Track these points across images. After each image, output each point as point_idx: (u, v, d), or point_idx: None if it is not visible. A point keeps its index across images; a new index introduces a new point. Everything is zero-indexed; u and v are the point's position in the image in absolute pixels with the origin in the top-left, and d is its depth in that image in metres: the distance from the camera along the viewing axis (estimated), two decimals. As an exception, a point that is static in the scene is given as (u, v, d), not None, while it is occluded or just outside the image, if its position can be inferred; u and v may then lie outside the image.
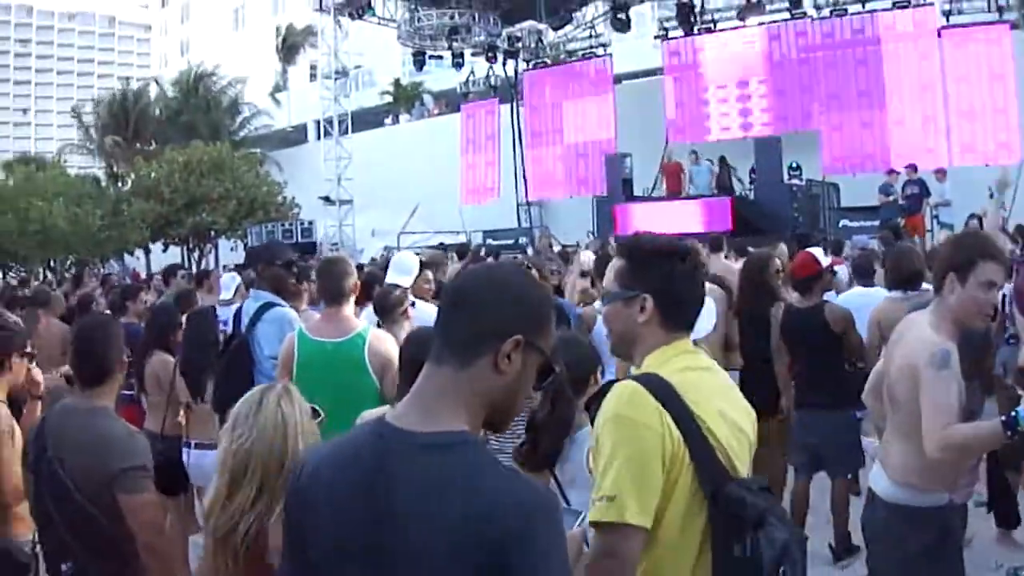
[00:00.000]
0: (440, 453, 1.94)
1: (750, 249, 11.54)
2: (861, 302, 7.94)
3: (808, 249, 8.44)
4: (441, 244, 22.89)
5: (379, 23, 31.80)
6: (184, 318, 7.55)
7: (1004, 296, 9.32)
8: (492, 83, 33.16)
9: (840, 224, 21.85)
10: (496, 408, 2.08)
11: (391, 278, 7.94)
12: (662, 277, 2.91)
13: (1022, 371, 4.39)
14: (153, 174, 36.59)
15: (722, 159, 24.05)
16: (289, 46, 55.22)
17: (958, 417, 3.83)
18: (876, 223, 20.03)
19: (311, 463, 2.13)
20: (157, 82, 51.11)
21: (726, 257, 11.95)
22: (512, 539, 1.84)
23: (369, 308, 6.85)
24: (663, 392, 2.74)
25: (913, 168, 21.80)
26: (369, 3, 30.31)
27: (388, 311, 6.31)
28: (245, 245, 32.73)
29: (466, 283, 2.22)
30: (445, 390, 2.03)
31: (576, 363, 3.98)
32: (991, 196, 19.97)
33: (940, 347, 3.90)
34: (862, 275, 8.93)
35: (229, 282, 10.22)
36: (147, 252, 37.94)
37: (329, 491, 2.02)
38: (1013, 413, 3.64)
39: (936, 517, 4.14)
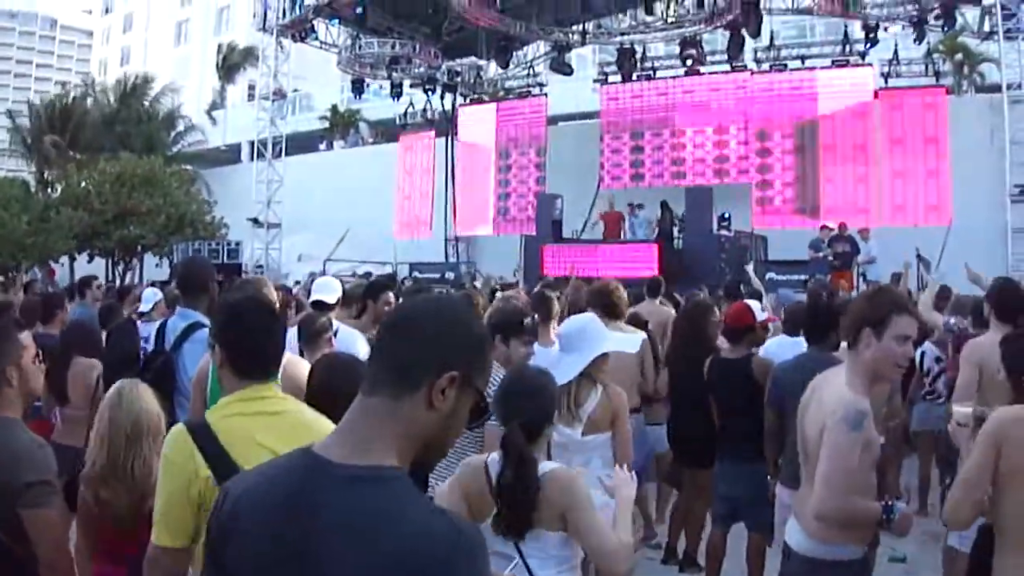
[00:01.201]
0: (367, 487, 1.89)
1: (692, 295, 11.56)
2: (786, 351, 7.95)
3: (745, 301, 8.45)
4: (367, 273, 22.72)
5: (321, 47, 31.60)
6: (105, 333, 7.43)
7: (924, 354, 9.42)
8: (428, 116, 33.09)
9: (767, 276, 21.93)
10: (426, 444, 2.03)
11: (317, 296, 8.21)
12: (232, 330, 3.49)
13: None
14: (84, 183, 36.07)
15: (664, 204, 24.07)
16: (229, 64, 54.82)
17: (859, 479, 3.94)
18: (803, 277, 20.17)
19: (235, 492, 2.06)
20: (94, 89, 50.45)
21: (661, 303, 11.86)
22: None
23: (292, 331, 6.75)
24: (201, 434, 3.21)
25: (844, 226, 22.08)
26: (312, 27, 30.11)
27: (313, 336, 6.28)
28: (171, 262, 32.28)
29: (407, 313, 2.22)
30: (376, 422, 1.97)
31: (534, 412, 3.96)
32: (918, 258, 20.42)
33: (856, 407, 3.93)
34: (794, 327, 8.93)
35: (151, 296, 10.09)
36: (72, 261, 37.30)
37: (251, 521, 1.96)
38: (891, 503, 3.80)
39: (850, 570, 4.17)
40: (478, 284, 20.02)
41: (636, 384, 8.05)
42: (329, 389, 3.40)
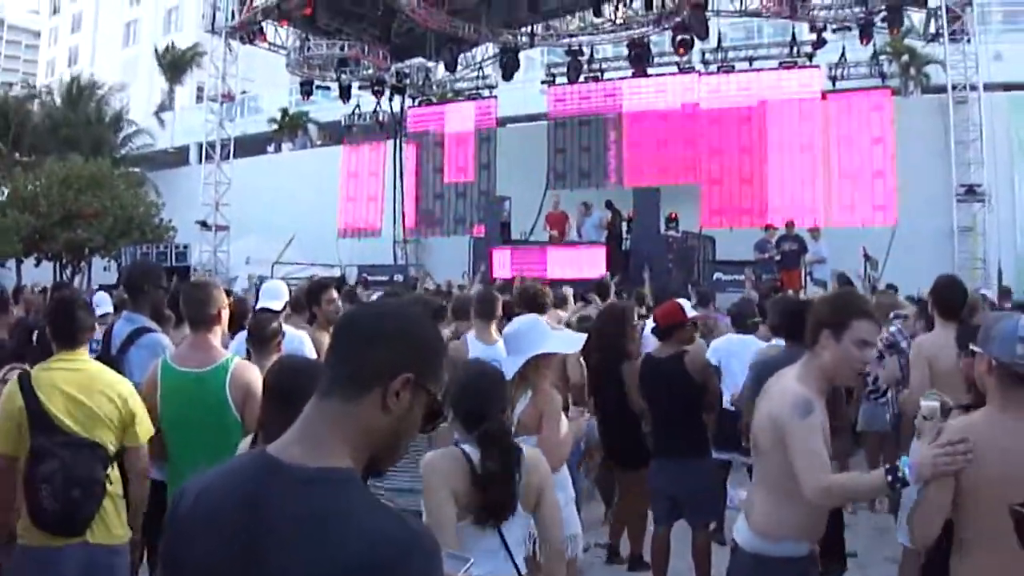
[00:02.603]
0: (322, 489, 1.90)
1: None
2: (735, 348, 7.95)
3: (676, 299, 8.46)
4: (314, 276, 22.60)
5: (269, 49, 31.37)
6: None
7: None
8: (378, 118, 32.99)
9: (714, 276, 22.05)
10: (380, 447, 2.03)
11: (264, 303, 8.27)
12: (51, 314, 5.18)
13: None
14: (30, 186, 35.64)
15: (609, 204, 24.10)
16: (177, 66, 54.31)
17: (828, 453, 3.95)
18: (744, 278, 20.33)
19: (190, 492, 2.05)
20: (41, 90, 49.91)
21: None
22: None
23: (241, 335, 6.79)
24: (24, 380, 4.82)
25: (791, 224, 22.23)
26: (261, 28, 29.88)
27: (263, 341, 6.22)
28: (119, 265, 31.97)
29: (361, 316, 2.22)
30: (331, 424, 1.98)
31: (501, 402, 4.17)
32: (865, 257, 20.61)
33: (802, 396, 3.95)
34: (739, 322, 8.96)
35: (102, 300, 10.03)
36: (19, 265, 36.84)
37: (205, 522, 1.95)
38: (898, 463, 3.69)
39: (796, 566, 4.18)
40: (429, 286, 20.03)
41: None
42: (285, 391, 3.36)
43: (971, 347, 4.05)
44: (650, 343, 9.25)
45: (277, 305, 8.23)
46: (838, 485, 3.96)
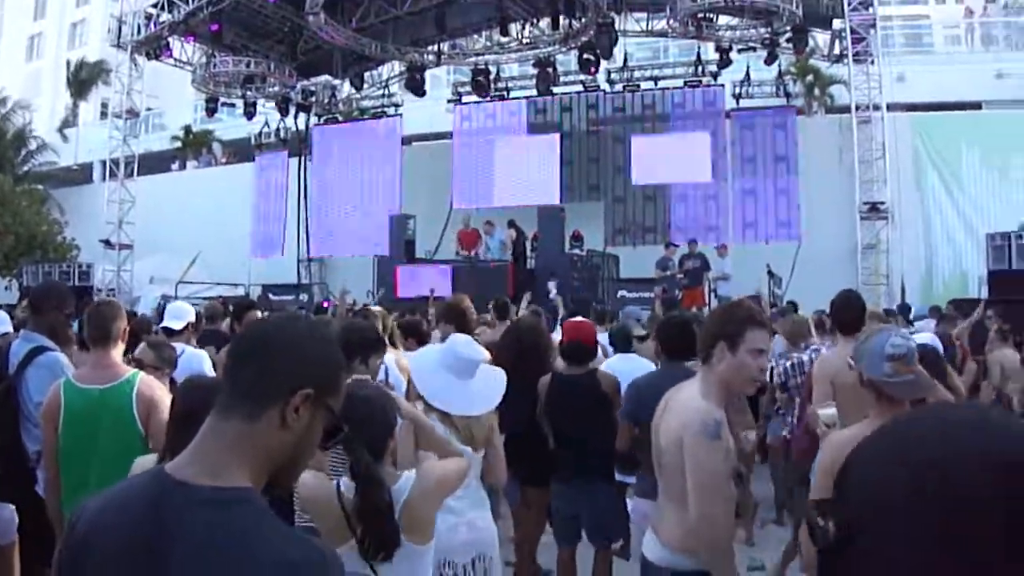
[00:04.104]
0: (220, 509, 1.84)
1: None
2: (624, 367, 7.96)
3: (587, 320, 8.46)
4: (220, 297, 22.37)
5: (175, 65, 31.04)
6: None
7: (772, 368, 9.58)
8: (282, 136, 32.83)
9: (618, 295, 22.21)
10: (280, 464, 1.99)
11: (165, 323, 8.37)
12: None
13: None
14: (-72, 203, 34.90)
15: (512, 223, 24.16)
16: (81, 81, 53.34)
17: (726, 483, 3.93)
18: (652, 295, 20.46)
19: (86, 515, 1.98)
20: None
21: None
22: None
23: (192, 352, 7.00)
24: None
25: (694, 242, 22.45)
26: (167, 44, 29.55)
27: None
28: (20, 284, 31.37)
29: (257, 333, 2.17)
30: (229, 442, 1.94)
31: (377, 430, 3.94)
32: (769, 274, 20.89)
33: (712, 416, 3.92)
34: (623, 343, 8.95)
35: (3, 319, 9.90)
36: (-84, 284, 36.00)
37: (103, 544, 1.89)
38: None
39: None
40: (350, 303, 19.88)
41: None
42: (192, 411, 3.31)
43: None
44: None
45: (178, 325, 8.32)
46: (724, 533, 3.94)
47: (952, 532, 1.16)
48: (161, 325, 8.69)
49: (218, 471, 1.90)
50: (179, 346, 7.87)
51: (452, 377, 5.15)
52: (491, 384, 5.34)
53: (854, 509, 1.31)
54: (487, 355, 5.75)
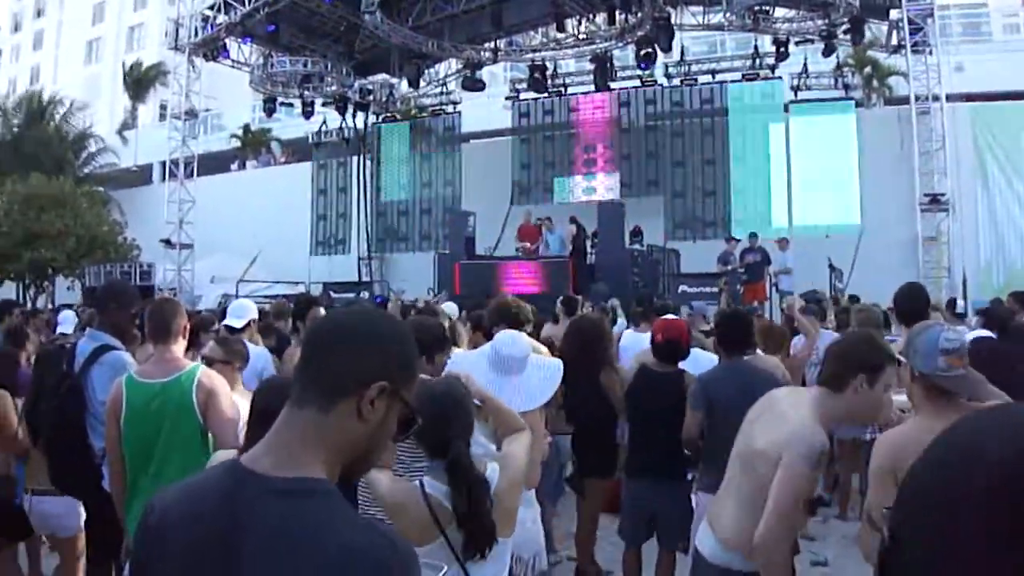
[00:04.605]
0: (295, 500, 1.84)
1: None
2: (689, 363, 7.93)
3: (678, 318, 8.45)
4: (281, 296, 22.50)
5: (232, 66, 31.30)
6: (35, 358, 7.38)
7: None
8: (344, 135, 32.98)
9: (680, 289, 22.10)
10: (354, 456, 1.99)
11: (227, 320, 8.49)
12: None
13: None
14: (-8, 206, 35.38)
15: (573, 219, 24.10)
16: (140, 84, 53.89)
17: (801, 511, 3.94)
18: (715, 290, 20.38)
19: (160, 506, 2.00)
20: (2, 108, 49.40)
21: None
22: None
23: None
24: None
25: (754, 236, 22.31)
26: (224, 45, 29.80)
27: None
28: (83, 284, 31.75)
29: (334, 325, 2.14)
30: (304, 434, 1.94)
31: (463, 431, 3.90)
32: (830, 268, 20.72)
33: (822, 445, 3.90)
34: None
35: (70, 318, 10.03)
36: (-19, 285, 36.52)
37: (177, 536, 1.90)
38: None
39: None
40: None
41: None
42: (271, 410, 3.34)
43: (898, 357, 4.09)
44: (628, 353, 9.25)
45: (239, 323, 8.40)
46: (781, 559, 3.88)
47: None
48: (223, 323, 8.84)
49: (292, 462, 1.91)
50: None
51: (499, 375, 5.10)
52: (542, 379, 5.23)
53: (920, 512, 1.28)
54: (536, 348, 5.74)
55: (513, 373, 5.10)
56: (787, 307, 10.37)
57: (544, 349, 7.01)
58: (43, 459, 6.19)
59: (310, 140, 34.47)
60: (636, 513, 7.27)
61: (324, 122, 33.50)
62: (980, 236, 25.61)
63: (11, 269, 34.36)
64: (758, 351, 7.94)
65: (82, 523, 6.39)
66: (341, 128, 33.18)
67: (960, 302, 18.16)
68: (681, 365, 7.47)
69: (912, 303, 7.09)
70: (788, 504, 3.84)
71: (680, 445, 6.89)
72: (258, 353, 8.16)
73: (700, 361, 8.13)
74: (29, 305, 31.59)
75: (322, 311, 8.52)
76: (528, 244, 24.21)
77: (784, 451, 3.90)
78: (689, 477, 7.07)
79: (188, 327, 5.70)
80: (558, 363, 5.39)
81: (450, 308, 12.38)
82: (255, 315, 8.74)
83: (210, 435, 5.14)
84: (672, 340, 7.32)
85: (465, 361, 5.51)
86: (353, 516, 1.90)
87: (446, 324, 7.56)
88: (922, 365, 3.86)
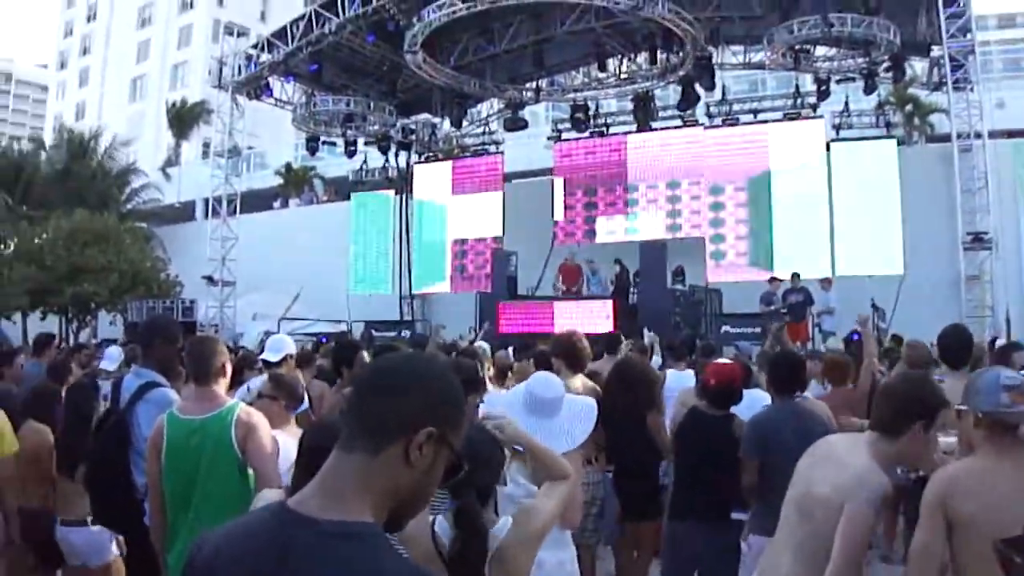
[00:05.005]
0: (343, 543, 1.85)
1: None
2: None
3: (724, 360, 8.39)
4: (321, 333, 22.57)
5: (276, 104, 31.61)
6: (65, 390, 7.43)
7: None
8: (386, 174, 33.15)
9: (722, 330, 22.05)
10: (401, 501, 2.01)
11: (264, 355, 8.59)
12: None
13: None
14: (36, 239, 35.74)
15: (618, 260, 24.12)
16: (183, 121, 54.52)
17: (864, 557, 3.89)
18: (757, 330, 20.30)
19: (208, 545, 2.01)
20: (46, 144, 49.99)
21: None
22: None
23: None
24: None
25: (797, 276, 22.22)
26: (267, 84, 30.11)
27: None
28: (125, 320, 32.02)
29: (384, 369, 2.15)
30: (352, 477, 1.95)
31: (488, 478, 3.89)
32: (873, 308, 20.59)
33: (884, 492, 3.87)
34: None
35: (115, 354, 10.11)
36: (24, 318, 36.83)
37: (227, 574, 1.90)
38: None
39: None
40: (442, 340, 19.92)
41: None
42: (320, 450, 3.34)
43: (957, 407, 4.07)
44: (671, 393, 9.23)
45: (275, 357, 8.42)
46: None
47: None
48: (260, 357, 8.92)
49: (341, 505, 1.91)
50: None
51: (533, 418, 5.03)
52: (577, 420, 5.14)
53: None
54: (569, 388, 5.74)
55: (548, 415, 5.05)
56: (860, 321, 10.22)
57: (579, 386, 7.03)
58: (74, 490, 6.32)
59: (351, 178, 34.55)
60: (678, 555, 7.17)
61: (365, 160, 33.66)
62: (1023, 275, 25.39)
63: (54, 303, 34.68)
64: (811, 389, 7.94)
65: (113, 554, 6.51)
66: (385, 167, 33.30)
67: (1000, 341, 17.99)
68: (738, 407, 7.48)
69: (959, 345, 7.11)
70: (855, 550, 3.82)
71: (725, 488, 6.87)
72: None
73: (755, 400, 8.13)
74: (72, 340, 31.89)
75: (366, 355, 8.52)
76: (569, 286, 24.21)
77: (847, 497, 3.87)
78: (734, 517, 7.03)
79: (228, 365, 5.70)
80: (592, 402, 5.39)
81: (481, 347, 12.41)
82: (292, 350, 8.73)
83: (250, 471, 5.14)
84: (724, 385, 7.27)
85: (500, 402, 5.54)
86: (401, 560, 1.91)
87: (484, 366, 7.61)
88: (984, 404, 3.88)
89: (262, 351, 9.50)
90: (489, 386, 7.77)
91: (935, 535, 3.78)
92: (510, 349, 12.68)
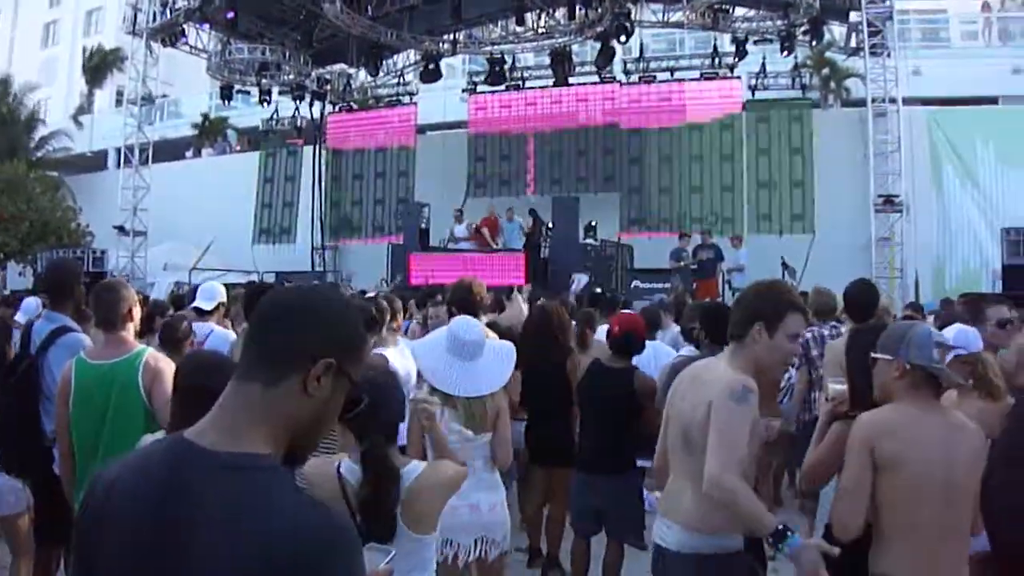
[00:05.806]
0: (240, 475, 1.84)
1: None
2: (646, 353, 7.93)
3: (635, 313, 8.45)
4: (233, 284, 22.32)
5: (191, 52, 31.04)
6: None
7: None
8: (297, 123, 32.79)
9: (632, 285, 22.16)
10: (299, 433, 1.99)
11: (196, 303, 8.64)
12: None
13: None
14: (-57, 189, 34.82)
15: (532, 211, 24.12)
16: (96, 68, 53.23)
17: (747, 453, 3.93)
18: (667, 285, 20.44)
19: (103, 481, 2.00)
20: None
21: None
22: (306, 570, 1.76)
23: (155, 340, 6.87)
24: None
25: (707, 233, 22.39)
26: (183, 31, 29.54)
27: (173, 343, 6.45)
28: (34, 270, 31.38)
29: (282, 299, 2.13)
30: (250, 408, 1.94)
31: (390, 418, 3.90)
32: (783, 266, 20.81)
33: (742, 383, 3.93)
34: (650, 327, 8.89)
35: (31, 306, 10.06)
36: (-68, 270, 35.94)
37: (121, 510, 1.90)
38: (788, 533, 3.69)
39: (739, 560, 4.13)
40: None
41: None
42: (197, 386, 3.27)
43: (874, 355, 4.12)
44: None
45: (208, 306, 8.53)
46: (734, 489, 3.83)
47: None
48: (192, 305, 8.88)
49: (237, 437, 1.90)
50: (208, 326, 8.02)
51: (456, 360, 5.18)
52: (498, 364, 5.35)
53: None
54: (489, 335, 5.79)
55: (471, 358, 5.19)
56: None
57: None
58: None
59: (261, 128, 34.24)
60: (584, 508, 7.28)
61: (276, 110, 33.18)
62: (933, 238, 25.77)
63: (-39, 254, 33.86)
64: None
65: (25, 503, 6.31)
66: (294, 116, 32.89)
67: (910, 299, 18.34)
68: (645, 356, 7.53)
69: (864, 299, 7.21)
70: (726, 437, 3.86)
71: (628, 437, 6.95)
72: (222, 335, 8.17)
73: (658, 352, 8.17)
74: (-19, 289, 31.21)
75: None
76: (490, 234, 24.24)
77: (712, 400, 3.97)
78: (639, 464, 7.06)
79: (136, 309, 5.65)
80: (511, 346, 5.49)
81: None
82: (224, 298, 8.80)
83: (155, 415, 5.10)
84: (628, 332, 7.35)
85: (423, 346, 5.58)
86: (298, 492, 1.90)
87: (389, 311, 7.57)
88: (916, 357, 3.93)
89: (192, 297, 9.47)
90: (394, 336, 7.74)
91: (863, 473, 3.84)
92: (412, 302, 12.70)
